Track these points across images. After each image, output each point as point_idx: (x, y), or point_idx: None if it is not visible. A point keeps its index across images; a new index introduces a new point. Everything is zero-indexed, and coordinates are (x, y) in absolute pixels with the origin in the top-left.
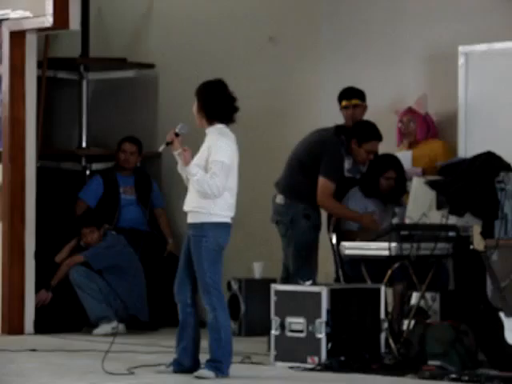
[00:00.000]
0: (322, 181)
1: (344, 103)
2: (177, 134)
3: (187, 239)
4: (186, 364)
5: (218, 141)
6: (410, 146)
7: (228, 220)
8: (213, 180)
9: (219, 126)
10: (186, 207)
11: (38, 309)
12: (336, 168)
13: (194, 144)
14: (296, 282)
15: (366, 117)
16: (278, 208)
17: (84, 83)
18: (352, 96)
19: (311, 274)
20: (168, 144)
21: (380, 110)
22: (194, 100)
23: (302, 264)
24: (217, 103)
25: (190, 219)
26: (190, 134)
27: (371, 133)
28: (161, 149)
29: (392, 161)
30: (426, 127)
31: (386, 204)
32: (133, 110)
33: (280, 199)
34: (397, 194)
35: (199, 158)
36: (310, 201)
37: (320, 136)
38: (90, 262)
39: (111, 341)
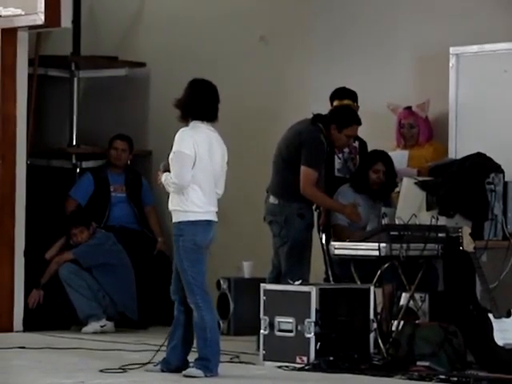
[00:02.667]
0: (303, 170)
1: (336, 103)
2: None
3: None
4: (173, 363)
5: (177, 133)
6: (408, 147)
7: (207, 217)
8: (171, 173)
9: (193, 123)
10: (169, 206)
11: (29, 307)
12: (316, 155)
13: None
14: (288, 282)
15: (361, 117)
16: (272, 208)
17: (75, 81)
18: (344, 96)
19: (304, 273)
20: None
21: (372, 110)
22: None
23: (295, 263)
24: (191, 101)
25: (173, 219)
26: None
27: (351, 117)
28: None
29: (380, 154)
30: (427, 130)
31: (375, 201)
32: (124, 109)
33: (273, 199)
34: (386, 190)
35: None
36: (304, 199)
37: (296, 128)
38: (79, 259)
39: (100, 338)
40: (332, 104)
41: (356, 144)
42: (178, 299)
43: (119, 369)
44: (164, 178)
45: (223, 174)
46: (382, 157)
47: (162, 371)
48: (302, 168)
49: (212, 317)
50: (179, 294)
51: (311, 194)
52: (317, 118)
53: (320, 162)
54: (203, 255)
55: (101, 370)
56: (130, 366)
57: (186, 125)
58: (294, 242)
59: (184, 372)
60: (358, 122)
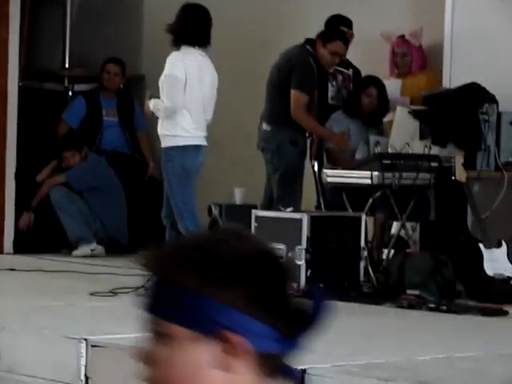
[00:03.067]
0: (293, 93)
1: None
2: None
3: None
4: None
5: (169, 56)
6: (401, 76)
7: (196, 142)
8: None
9: (185, 48)
10: (158, 131)
11: (19, 230)
12: (306, 78)
13: None
14: (279, 209)
15: (354, 45)
16: (264, 134)
17: (68, 3)
18: (339, 23)
19: (296, 200)
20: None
21: (366, 39)
22: None
23: (286, 190)
24: (182, 26)
25: (162, 144)
26: None
27: (335, 32)
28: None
29: (373, 79)
30: (420, 59)
31: (367, 127)
32: (117, 32)
33: (265, 126)
34: (378, 115)
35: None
36: (296, 126)
37: (287, 54)
38: (71, 182)
39: (90, 262)
40: None
41: (350, 72)
42: (170, 223)
43: (109, 292)
44: (153, 104)
45: (213, 100)
46: (375, 81)
47: None
48: (292, 92)
49: None
50: (170, 218)
51: (301, 118)
52: (307, 41)
53: (310, 86)
54: (193, 180)
55: (91, 294)
56: (120, 290)
57: (178, 49)
58: (285, 169)
59: None
60: (342, 38)
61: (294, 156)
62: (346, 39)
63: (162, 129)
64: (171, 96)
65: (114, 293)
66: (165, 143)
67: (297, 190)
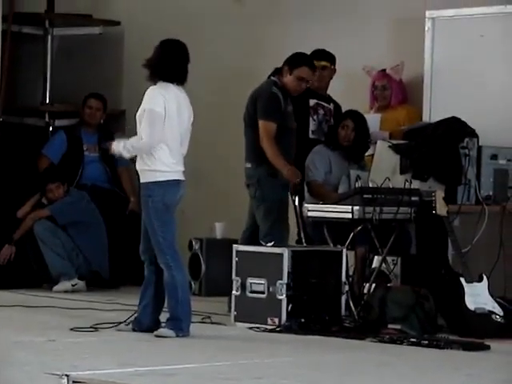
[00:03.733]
0: (260, 124)
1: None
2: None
3: None
4: (145, 323)
5: (147, 91)
6: (381, 110)
7: (175, 177)
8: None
9: (162, 83)
10: (136, 166)
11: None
12: (271, 107)
13: None
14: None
15: (336, 80)
16: (247, 172)
17: (49, 39)
18: (322, 58)
19: (283, 234)
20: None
21: (348, 73)
22: None
23: (273, 224)
24: (160, 62)
25: (140, 179)
26: None
27: (302, 58)
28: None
29: (350, 112)
30: (400, 93)
31: (348, 161)
32: (98, 67)
33: (247, 163)
34: (358, 149)
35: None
36: None
37: (254, 90)
38: (55, 216)
39: (71, 297)
40: None
41: (331, 106)
42: (148, 259)
43: (91, 327)
44: (122, 144)
45: (188, 134)
46: (352, 114)
47: (134, 330)
48: (259, 122)
49: (183, 276)
50: (148, 253)
51: (266, 146)
52: (273, 72)
53: (275, 112)
54: (172, 215)
55: (72, 329)
56: (101, 326)
57: (155, 84)
58: (269, 203)
59: (155, 332)
60: (308, 64)
61: (275, 188)
62: (313, 65)
63: (140, 164)
64: (150, 131)
65: (95, 328)
66: (144, 178)
67: (283, 222)
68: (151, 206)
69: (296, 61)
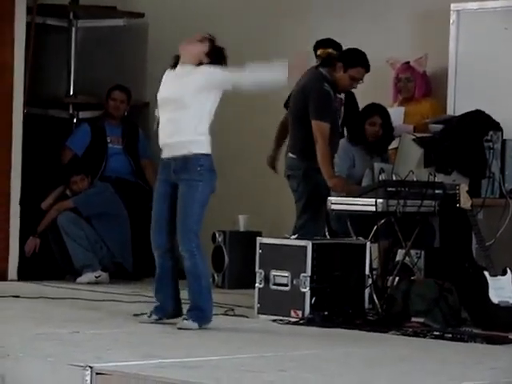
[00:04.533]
0: (313, 124)
1: (319, 52)
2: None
3: (168, 183)
4: (169, 308)
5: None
6: (405, 103)
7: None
8: None
9: None
10: (190, 150)
11: (24, 256)
12: (325, 107)
13: None
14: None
15: None
16: (290, 162)
17: (73, 31)
18: (329, 45)
19: (318, 229)
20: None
21: (373, 66)
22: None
23: (308, 219)
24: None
25: (190, 162)
26: None
27: (359, 59)
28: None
29: (376, 107)
30: (424, 85)
31: (372, 155)
32: (121, 59)
33: (291, 154)
34: (383, 143)
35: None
36: None
37: (302, 83)
38: (79, 208)
39: (95, 289)
40: (316, 53)
41: (342, 96)
42: (164, 248)
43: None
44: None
45: None
46: (379, 110)
47: (159, 319)
48: (313, 122)
49: (205, 265)
50: (165, 238)
51: (320, 148)
52: (323, 62)
53: (329, 112)
54: None
55: (96, 321)
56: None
57: None
58: (311, 197)
59: (178, 325)
60: (365, 66)
61: (320, 184)
62: (368, 65)
63: (184, 134)
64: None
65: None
66: (196, 161)
67: (319, 218)
68: (201, 190)
69: (352, 60)
